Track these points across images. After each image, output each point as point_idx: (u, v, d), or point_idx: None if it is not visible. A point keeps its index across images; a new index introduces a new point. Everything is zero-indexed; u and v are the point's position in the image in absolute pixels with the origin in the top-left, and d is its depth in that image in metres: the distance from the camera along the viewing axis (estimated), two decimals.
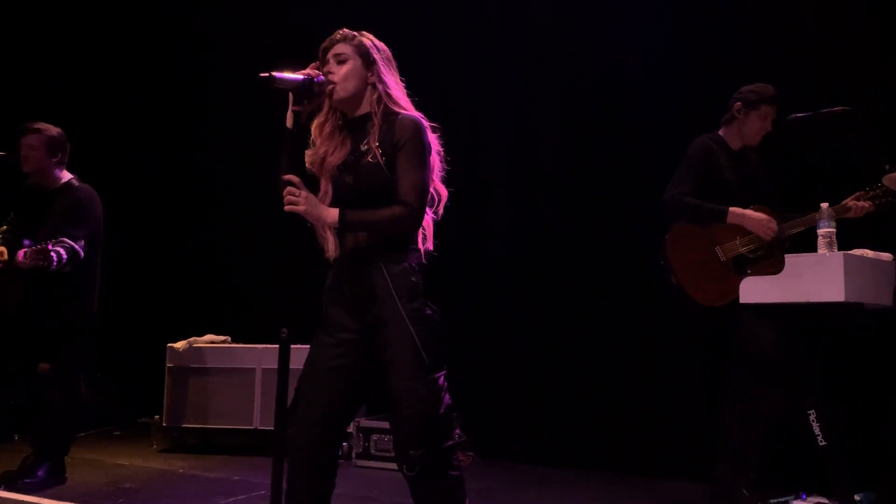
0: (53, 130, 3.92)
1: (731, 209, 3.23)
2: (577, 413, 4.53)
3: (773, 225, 3.20)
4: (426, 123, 2.37)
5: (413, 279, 2.31)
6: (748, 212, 3.23)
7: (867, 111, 3.33)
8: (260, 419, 4.80)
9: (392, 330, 2.27)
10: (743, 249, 3.26)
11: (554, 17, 4.80)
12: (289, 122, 2.23)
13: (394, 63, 2.44)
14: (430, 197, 2.37)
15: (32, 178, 3.93)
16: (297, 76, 2.23)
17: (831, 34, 3.90)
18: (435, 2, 5.17)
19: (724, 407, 3.35)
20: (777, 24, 4.06)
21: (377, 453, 4.47)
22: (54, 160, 3.90)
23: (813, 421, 2.99)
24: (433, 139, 2.38)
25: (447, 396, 2.30)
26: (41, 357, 3.83)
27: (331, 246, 2.39)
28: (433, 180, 2.38)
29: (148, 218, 6.00)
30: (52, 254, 3.50)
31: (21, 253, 3.54)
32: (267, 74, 2.17)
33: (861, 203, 3.18)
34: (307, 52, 2.43)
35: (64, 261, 3.57)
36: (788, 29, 4.03)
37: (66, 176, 3.96)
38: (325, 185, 2.38)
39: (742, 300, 3.04)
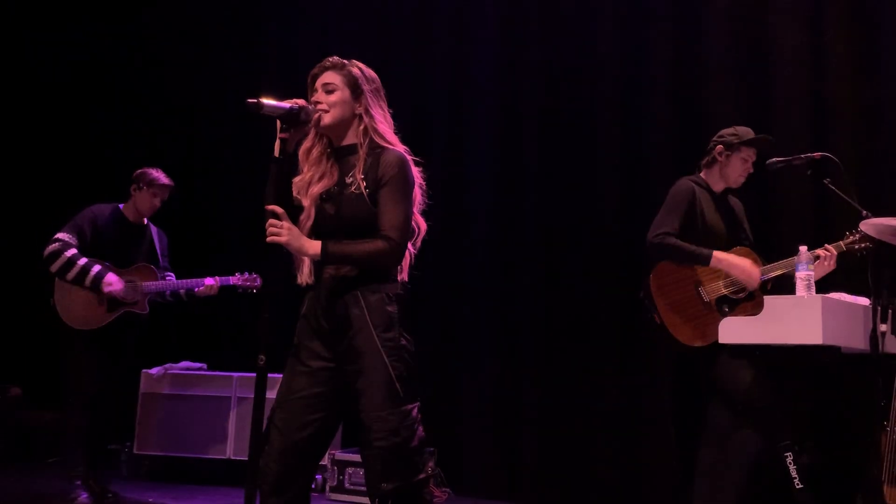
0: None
1: (716, 253, 3.23)
2: (552, 450, 4.50)
3: (757, 273, 3.22)
4: (410, 158, 2.39)
5: (389, 309, 2.30)
6: (732, 257, 3.23)
7: (845, 157, 3.40)
8: (234, 449, 4.73)
9: (366, 360, 2.26)
10: (726, 291, 3.28)
11: (532, 17, 4.87)
12: (276, 151, 2.25)
13: (382, 93, 2.46)
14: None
15: (134, 214, 4.18)
16: (284, 104, 2.24)
17: (813, 81, 3.99)
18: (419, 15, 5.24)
19: (703, 448, 3.34)
20: (761, 64, 4.15)
21: (351, 487, 4.41)
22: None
23: (790, 463, 2.98)
24: (416, 173, 2.40)
25: (420, 429, 2.29)
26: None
27: (305, 272, 2.39)
28: (414, 213, 2.39)
29: None
30: None
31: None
32: (254, 101, 2.18)
33: (829, 263, 3.21)
34: (301, 54, 2.44)
35: None
36: (773, 74, 4.11)
37: None
38: (308, 211, 2.37)
39: (721, 340, 3.05)
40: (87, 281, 3.90)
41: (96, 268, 3.92)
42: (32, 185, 5.94)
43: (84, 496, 3.87)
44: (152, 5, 6.09)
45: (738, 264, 3.22)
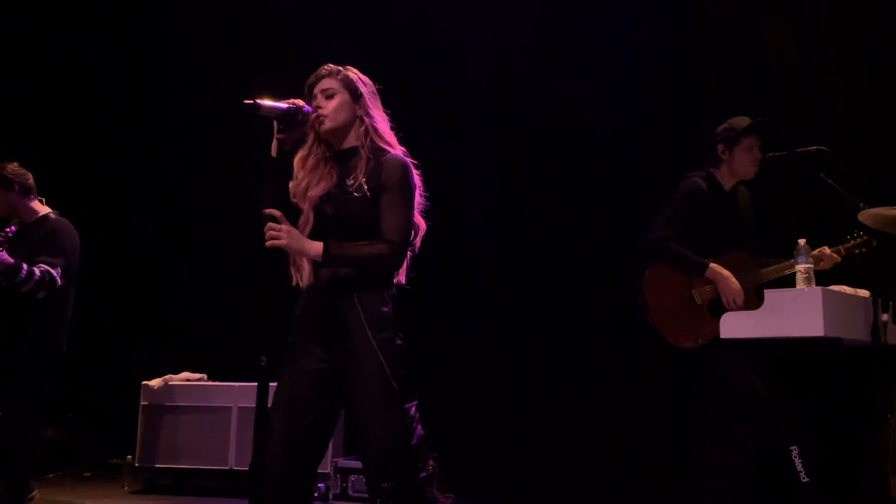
0: (9, 169, 3.86)
1: (711, 266, 3.21)
2: (554, 454, 4.49)
3: (740, 300, 3.17)
4: (410, 161, 2.41)
5: (384, 309, 2.31)
6: (724, 274, 3.20)
7: (842, 150, 3.40)
8: (235, 459, 4.70)
9: (362, 360, 2.26)
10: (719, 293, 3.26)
11: (527, 51, 4.89)
12: (273, 151, 2.25)
13: (378, 97, 2.49)
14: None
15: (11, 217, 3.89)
16: (282, 104, 2.25)
17: (808, 75, 4.01)
18: (412, 34, 5.22)
19: (703, 445, 3.33)
20: (754, 61, 4.16)
21: (355, 494, 4.39)
22: (24, 197, 3.88)
23: (795, 458, 2.97)
24: (416, 174, 2.41)
25: (419, 427, 2.28)
26: (3, 384, 3.68)
27: (305, 276, 2.39)
28: (414, 215, 2.40)
29: (124, 253, 5.94)
30: (23, 267, 3.50)
31: None
32: (251, 101, 2.19)
33: (833, 255, 3.21)
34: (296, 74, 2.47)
35: (36, 278, 3.57)
36: (766, 68, 4.13)
37: (44, 209, 3.94)
38: (307, 215, 2.38)
39: (721, 335, 3.03)
40: None
41: None
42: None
43: None
44: (149, 13, 6.09)
45: (727, 284, 3.18)
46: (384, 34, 5.31)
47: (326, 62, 2.47)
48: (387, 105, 2.51)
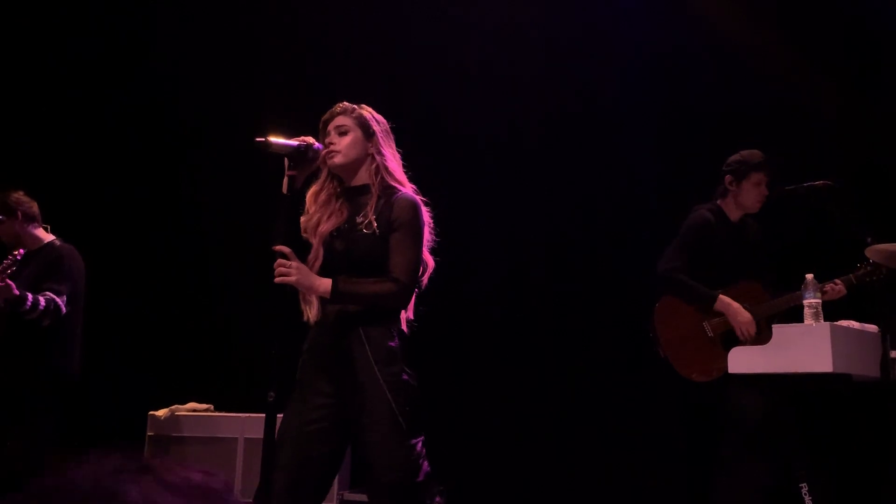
0: (13, 197, 3.87)
1: (720, 297, 3.22)
2: (564, 489, 4.46)
3: (752, 329, 3.18)
4: (420, 199, 2.43)
5: (391, 344, 2.32)
6: (734, 305, 3.21)
7: (850, 184, 3.41)
8: (241, 490, 4.67)
9: (368, 395, 2.27)
10: (731, 326, 3.25)
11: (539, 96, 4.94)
12: (283, 188, 2.28)
13: (391, 135, 2.52)
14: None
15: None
16: (292, 142, 2.29)
17: (817, 110, 4.03)
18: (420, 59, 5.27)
19: (716, 478, 3.30)
20: (762, 94, 4.20)
21: None
22: (27, 225, 3.88)
23: (805, 494, 2.95)
24: (426, 213, 2.44)
25: (426, 463, 2.28)
26: (9, 414, 3.63)
27: (314, 311, 2.40)
28: (423, 251, 2.42)
29: (131, 281, 5.94)
30: (29, 297, 3.48)
31: None
32: (263, 139, 2.22)
33: (838, 287, 3.21)
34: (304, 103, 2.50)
35: (41, 307, 3.56)
36: (774, 103, 4.15)
37: (48, 237, 3.94)
38: (317, 250, 2.41)
39: (730, 370, 3.03)
40: None
41: None
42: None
43: None
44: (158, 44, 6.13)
45: (738, 314, 3.20)
46: (388, 52, 5.35)
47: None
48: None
